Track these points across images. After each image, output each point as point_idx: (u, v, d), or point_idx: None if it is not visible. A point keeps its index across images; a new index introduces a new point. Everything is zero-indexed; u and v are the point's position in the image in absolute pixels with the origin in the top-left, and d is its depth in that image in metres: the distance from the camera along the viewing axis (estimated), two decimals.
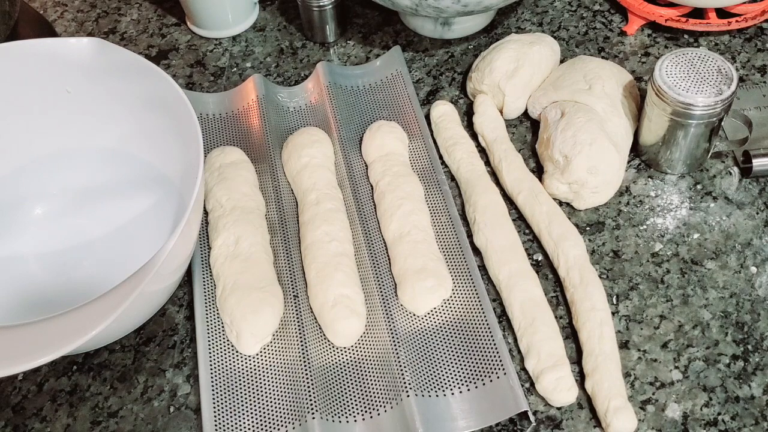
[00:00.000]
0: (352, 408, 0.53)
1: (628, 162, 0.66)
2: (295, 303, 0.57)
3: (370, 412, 0.52)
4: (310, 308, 0.57)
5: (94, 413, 0.55)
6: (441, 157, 0.67)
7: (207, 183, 0.64)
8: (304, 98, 0.73)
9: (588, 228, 0.62)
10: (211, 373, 0.55)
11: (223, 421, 0.52)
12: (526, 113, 0.70)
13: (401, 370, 0.53)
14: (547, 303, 0.56)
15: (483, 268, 0.60)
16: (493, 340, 0.54)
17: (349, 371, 0.55)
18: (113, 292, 0.45)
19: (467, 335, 0.55)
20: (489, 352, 0.54)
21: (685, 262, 0.59)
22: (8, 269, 0.61)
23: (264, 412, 0.53)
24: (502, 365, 0.53)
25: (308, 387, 0.53)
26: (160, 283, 0.52)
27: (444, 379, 0.53)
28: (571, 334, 0.56)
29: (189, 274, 0.60)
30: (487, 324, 0.55)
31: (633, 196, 0.64)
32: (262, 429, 0.52)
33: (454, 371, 0.54)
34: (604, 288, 0.57)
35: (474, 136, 0.69)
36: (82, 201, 0.65)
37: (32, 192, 0.64)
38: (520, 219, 0.63)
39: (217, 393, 0.54)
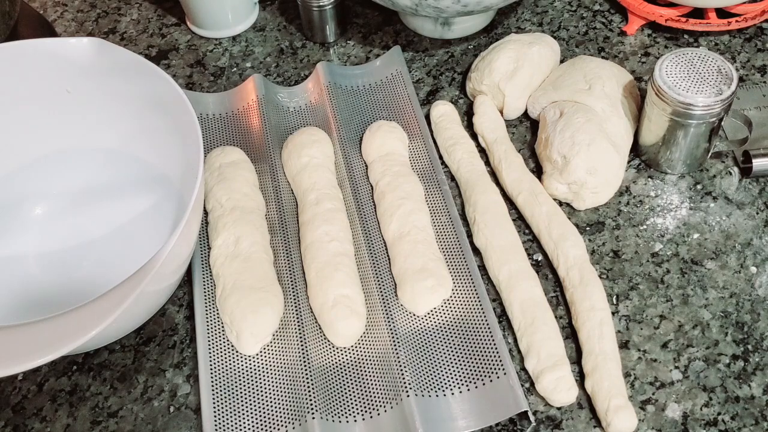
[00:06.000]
0: (352, 408, 0.53)
1: (628, 162, 0.66)
2: (295, 303, 0.57)
3: (370, 412, 0.52)
4: (310, 308, 0.57)
5: (94, 413, 0.55)
6: (441, 157, 0.67)
7: (207, 183, 0.64)
8: (304, 98, 0.73)
9: (588, 228, 0.62)
10: (211, 373, 0.55)
11: (223, 421, 0.52)
12: (526, 113, 0.70)
13: (401, 370, 0.53)
14: (547, 303, 0.56)
15: (483, 268, 0.60)
16: (493, 340, 0.54)
17: (349, 371, 0.55)
18: (113, 292, 0.45)
19: (467, 335, 0.55)
20: (489, 352, 0.54)
21: (685, 262, 0.59)
22: (8, 269, 0.61)
23: (264, 412, 0.53)
24: (502, 365, 0.53)
25: (308, 387, 0.53)
26: (160, 283, 0.52)
27: (444, 379, 0.53)
28: (571, 334, 0.56)
29: (189, 274, 0.60)
30: (487, 324, 0.55)
31: (633, 196, 0.64)
32: (262, 429, 0.52)
33: (454, 371, 0.54)
34: (604, 288, 0.57)
35: (474, 136, 0.69)
36: (82, 201, 0.65)
37: (32, 192, 0.64)
38: (520, 219, 0.63)
39: (217, 393, 0.54)
